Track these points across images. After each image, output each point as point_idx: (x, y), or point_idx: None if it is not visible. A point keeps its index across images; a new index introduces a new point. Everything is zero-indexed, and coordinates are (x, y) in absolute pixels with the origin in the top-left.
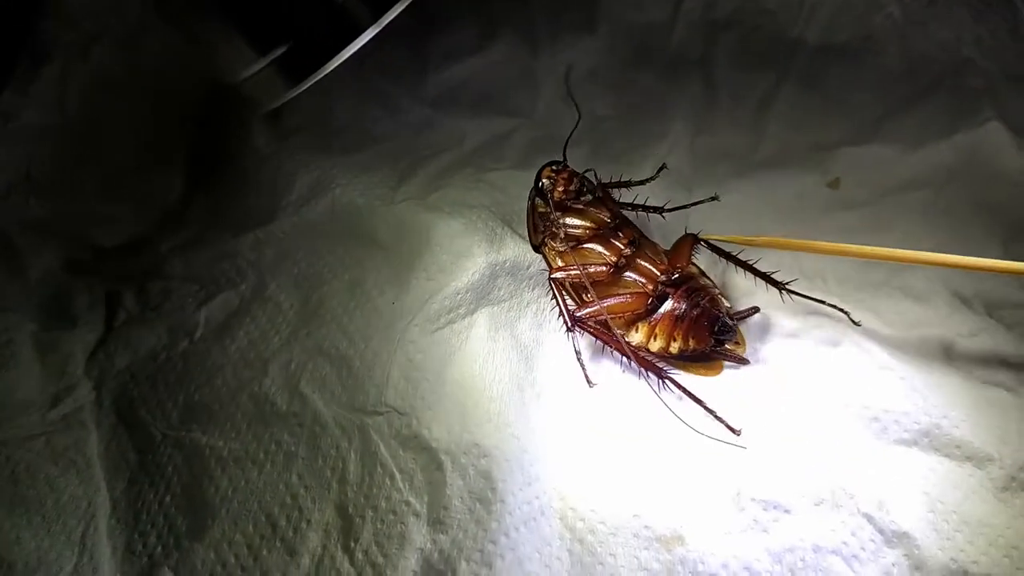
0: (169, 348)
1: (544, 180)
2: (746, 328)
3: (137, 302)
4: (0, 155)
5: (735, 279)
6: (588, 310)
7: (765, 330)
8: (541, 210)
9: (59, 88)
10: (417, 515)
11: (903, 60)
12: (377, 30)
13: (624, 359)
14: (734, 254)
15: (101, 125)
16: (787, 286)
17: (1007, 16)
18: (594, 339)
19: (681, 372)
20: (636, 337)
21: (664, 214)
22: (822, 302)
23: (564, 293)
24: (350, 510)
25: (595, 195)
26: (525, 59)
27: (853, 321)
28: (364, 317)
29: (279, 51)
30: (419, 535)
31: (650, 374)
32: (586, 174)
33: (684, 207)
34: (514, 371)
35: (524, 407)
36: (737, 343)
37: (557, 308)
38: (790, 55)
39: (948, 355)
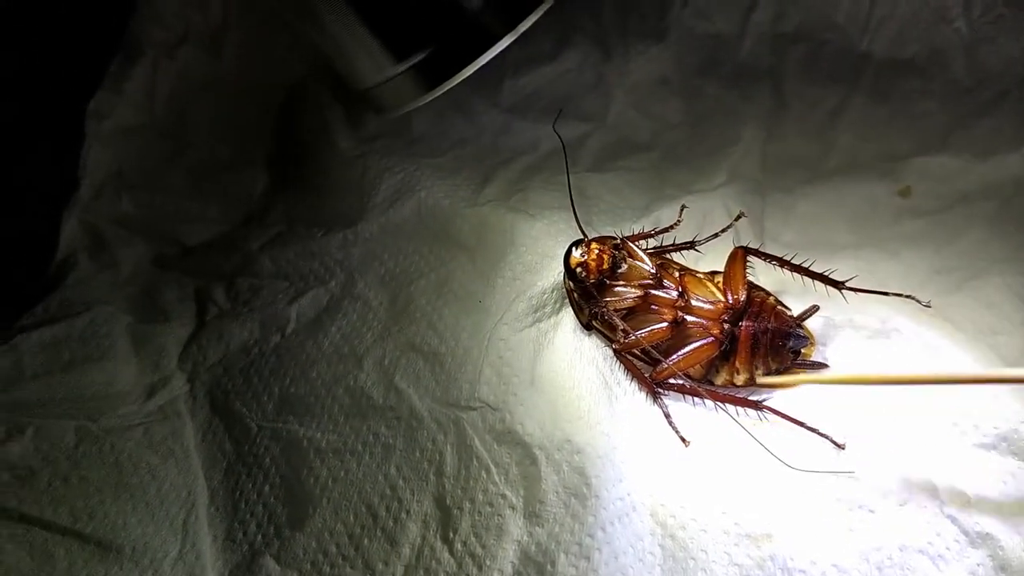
0: (261, 343)
1: (576, 268)
2: (811, 328)
3: (227, 298)
4: (94, 153)
5: (788, 275)
6: (665, 372)
7: (835, 333)
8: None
9: (149, 87)
10: (513, 508)
11: (970, 73)
12: (514, 38)
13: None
14: (786, 258)
15: (188, 124)
16: (844, 284)
17: None
18: (681, 395)
19: (768, 393)
20: (720, 378)
21: (699, 247)
22: (885, 293)
23: (633, 359)
24: (448, 502)
25: (626, 260)
26: (597, 66)
27: (921, 303)
28: (452, 315)
29: (417, 58)
30: (516, 527)
31: (747, 410)
32: (610, 236)
33: (716, 235)
34: (600, 369)
35: (611, 405)
36: (811, 344)
37: (632, 377)
38: (859, 68)
39: (1023, 361)
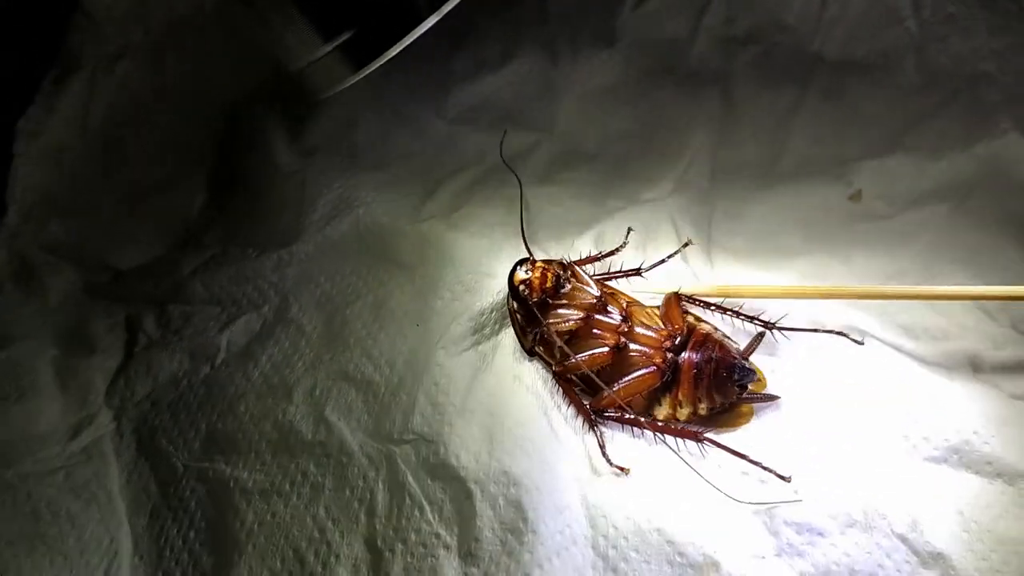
0: (190, 374)
1: (519, 286)
2: (759, 357)
3: (157, 326)
4: (23, 174)
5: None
6: (605, 401)
7: (783, 354)
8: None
9: (84, 103)
10: (448, 548)
11: (921, 74)
12: (438, 18)
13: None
14: (719, 303)
15: (123, 144)
16: (775, 325)
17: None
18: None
19: (714, 430)
20: (662, 411)
21: (644, 273)
22: (815, 331)
23: (572, 385)
24: (379, 544)
25: (571, 281)
26: (545, 74)
27: (855, 340)
28: (388, 340)
29: (343, 37)
30: (451, 569)
31: (687, 442)
32: (557, 260)
33: (662, 261)
34: (540, 395)
35: (551, 432)
36: (758, 380)
37: (570, 405)
38: (809, 70)
39: (975, 368)
